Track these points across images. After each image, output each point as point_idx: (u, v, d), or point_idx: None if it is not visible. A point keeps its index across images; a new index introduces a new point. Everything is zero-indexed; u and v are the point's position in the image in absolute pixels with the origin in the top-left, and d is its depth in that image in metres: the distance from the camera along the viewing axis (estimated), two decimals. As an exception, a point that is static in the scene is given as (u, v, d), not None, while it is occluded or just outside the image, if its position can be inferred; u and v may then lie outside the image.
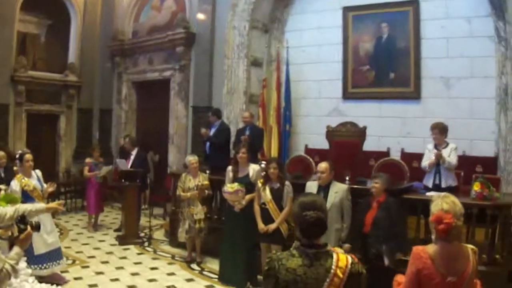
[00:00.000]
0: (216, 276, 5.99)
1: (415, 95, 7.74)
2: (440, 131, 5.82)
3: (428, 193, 5.50)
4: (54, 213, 6.30)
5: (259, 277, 5.72)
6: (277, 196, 5.41)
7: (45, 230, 5.23)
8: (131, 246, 7.35)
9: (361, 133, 6.90)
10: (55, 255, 5.53)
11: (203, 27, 9.50)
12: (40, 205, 4.36)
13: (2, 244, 3.64)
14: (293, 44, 8.87)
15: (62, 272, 5.80)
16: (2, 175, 6.55)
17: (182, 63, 9.76)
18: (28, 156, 5.59)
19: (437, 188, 5.66)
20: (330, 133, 7.09)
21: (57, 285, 5.31)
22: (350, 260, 2.20)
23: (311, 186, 5.18)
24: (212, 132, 7.62)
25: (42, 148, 10.51)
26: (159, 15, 10.60)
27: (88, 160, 8.56)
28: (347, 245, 4.77)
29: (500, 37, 6.85)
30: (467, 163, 6.62)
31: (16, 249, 2.94)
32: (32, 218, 3.61)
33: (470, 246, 2.63)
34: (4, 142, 9.58)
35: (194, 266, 6.50)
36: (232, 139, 7.83)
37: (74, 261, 6.53)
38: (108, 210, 9.92)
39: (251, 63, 9.06)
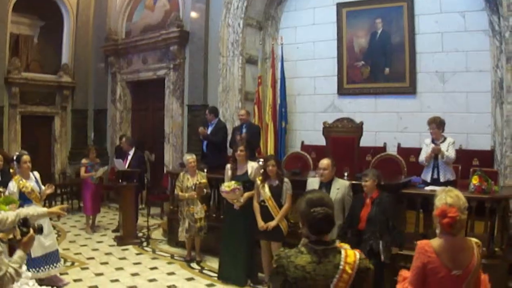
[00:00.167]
0: (216, 275, 5.98)
1: (410, 90, 7.77)
2: (437, 125, 5.85)
3: (426, 188, 5.53)
4: (59, 217, 6.22)
5: (260, 274, 5.74)
6: (276, 193, 5.40)
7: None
8: (130, 247, 7.33)
9: (358, 128, 6.90)
10: (52, 258, 5.47)
11: (197, 25, 9.48)
12: (42, 209, 4.32)
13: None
14: (288, 41, 8.87)
15: (61, 274, 5.77)
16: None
17: (177, 62, 9.74)
18: (26, 157, 5.54)
19: (435, 182, 5.69)
20: (327, 129, 7.08)
21: (57, 287, 5.30)
22: (358, 256, 2.20)
23: (313, 183, 5.17)
24: (209, 130, 7.59)
25: (37, 150, 10.43)
26: (153, 14, 10.55)
27: (84, 161, 8.52)
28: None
29: (495, 31, 6.89)
30: (464, 157, 6.66)
31: (19, 253, 2.93)
32: (33, 222, 3.58)
33: (474, 239, 2.65)
34: (-1, 144, 9.55)
35: (193, 265, 6.49)
36: (229, 137, 7.82)
37: (73, 263, 6.50)
38: (105, 210, 9.88)
39: (246, 61, 9.08)
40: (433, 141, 5.91)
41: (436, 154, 5.79)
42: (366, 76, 8.25)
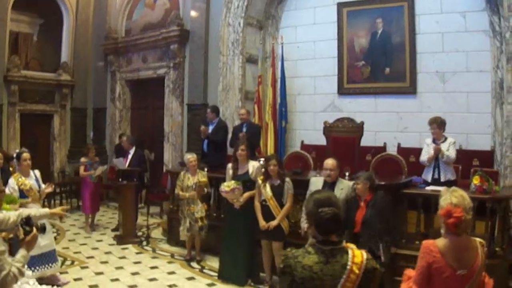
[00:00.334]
0: (217, 274, 5.97)
1: (411, 90, 7.78)
2: (438, 125, 5.86)
3: (427, 188, 5.54)
4: (61, 218, 6.19)
5: (261, 274, 5.74)
6: (278, 192, 5.39)
7: None
8: (130, 246, 7.32)
9: (358, 128, 6.94)
10: (48, 257, 5.40)
11: (197, 24, 9.47)
12: (44, 210, 4.29)
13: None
14: (288, 40, 8.87)
15: (61, 273, 5.76)
16: (-1, 175, 6.48)
17: (177, 60, 9.72)
18: (26, 155, 5.51)
19: (436, 182, 5.70)
20: (327, 129, 7.11)
21: (57, 286, 5.28)
22: (365, 256, 2.20)
23: (316, 182, 5.14)
24: (210, 129, 7.57)
25: (36, 148, 10.36)
26: (153, 13, 10.52)
27: (83, 159, 8.49)
28: None
29: (495, 32, 6.90)
30: (464, 157, 6.66)
31: (22, 252, 2.92)
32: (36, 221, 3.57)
33: (478, 239, 2.66)
34: (-2, 143, 9.53)
35: (194, 264, 6.48)
36: (229, 136, 7.81)
37: (73, 262, 6.48)
38: (104, 209, 9.86)
39: (246, 60, 9.07)
40: (434, 141, 5.92)
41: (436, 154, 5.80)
42: (367, 76, 8.26)
